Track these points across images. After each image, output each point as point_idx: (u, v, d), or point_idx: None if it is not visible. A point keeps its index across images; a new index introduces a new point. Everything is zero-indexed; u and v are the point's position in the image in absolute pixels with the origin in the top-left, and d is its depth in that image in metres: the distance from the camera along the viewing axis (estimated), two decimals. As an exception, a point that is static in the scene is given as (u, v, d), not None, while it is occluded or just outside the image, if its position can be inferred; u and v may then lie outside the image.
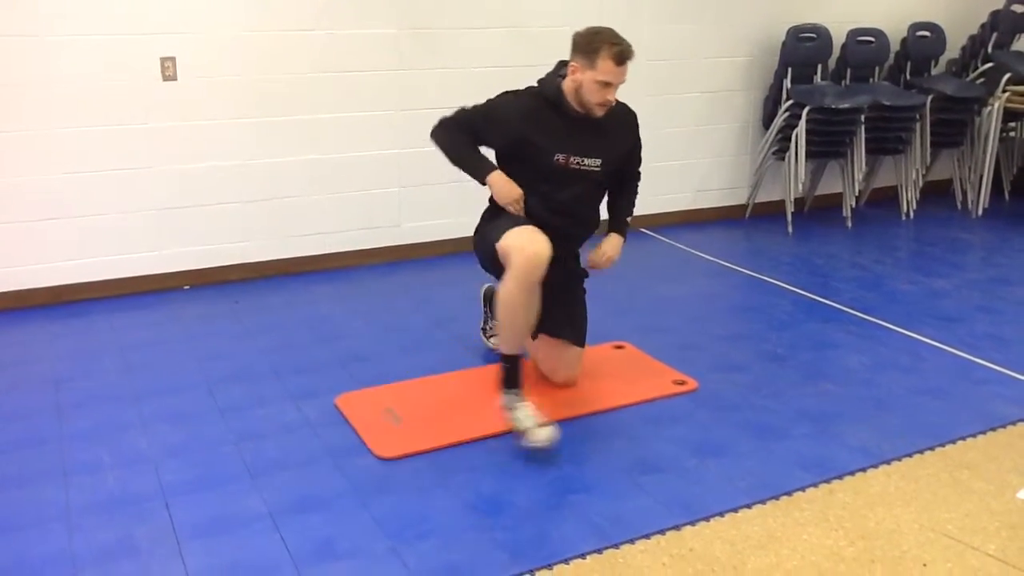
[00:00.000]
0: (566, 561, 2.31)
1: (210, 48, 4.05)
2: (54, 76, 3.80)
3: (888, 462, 2.80)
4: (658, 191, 5.39)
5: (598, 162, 3.06)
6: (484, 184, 3.01)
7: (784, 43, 5.34)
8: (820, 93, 5.29)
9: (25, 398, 3.17)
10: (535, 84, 3.08)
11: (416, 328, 3.80)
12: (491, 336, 3.46)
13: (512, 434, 2.89)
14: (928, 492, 2.65)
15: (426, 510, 2.52)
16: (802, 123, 5.18)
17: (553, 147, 2.99)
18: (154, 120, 4.02)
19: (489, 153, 3.09)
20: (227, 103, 4.14)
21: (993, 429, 3.03)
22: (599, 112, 2.97)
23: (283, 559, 2.31)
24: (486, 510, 2.53)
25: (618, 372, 3.43)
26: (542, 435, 2.78)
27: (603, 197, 3.26)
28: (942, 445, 2.91)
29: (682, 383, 3.32)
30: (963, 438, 2.96)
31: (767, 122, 5.51)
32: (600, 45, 2.86)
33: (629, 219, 3.32)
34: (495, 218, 3.07)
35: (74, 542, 2.36)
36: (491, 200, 3.12)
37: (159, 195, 4.12)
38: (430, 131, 3.08)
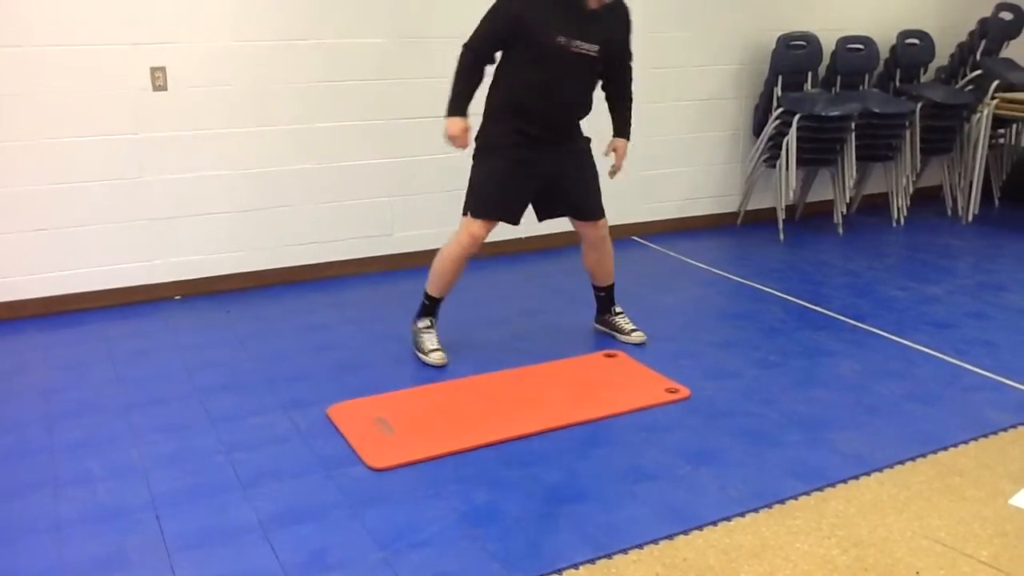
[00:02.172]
0: (559, 571, 2.30)
1: (200, 58, 4.05)
2: (44, 86, 3.79)
3: (880, 469, 2.81)
4: (649, 199, 5.40)
5: (596, 48, 3.31)
6: (445, 117, 3.33)
7: (774, 51, 5.35)
8: (810, 101, 5.30)
9: (15, 409, 3.16)
10: None
11: (408, 338, 3.79)
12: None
13: (504, 443, 2.91)
14: (920, 499, 2.65)
15: (418, 520, 2.52)
16: (792, 131, 5.19)
17: (554, 30, 3.22)
18: (145, 130, 4.02)
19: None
20: (218, 113, 4.14)
21: (985, 436, 3.03)
22: (594, 3, 3.24)
23: (274, 570, 2.30)
24: (478, 520, 2.52)
25: (610, 381, 3.42)
26: (434, 357, 3.48)
27: (597, 84, 3.51)
28: (934, 452, 2.92)
29: (674, 391, 3.32)
30: (955, 445, 2.97)
31: (758, 130, 5.52)
32: None
33: (630, 120, 3.66)
34: (483, 163, 3.42)
35: (64, 554, 2.35)
36: (482, 130, 3.43)
37: (150, 205, 4.11)
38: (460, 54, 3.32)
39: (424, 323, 3.56)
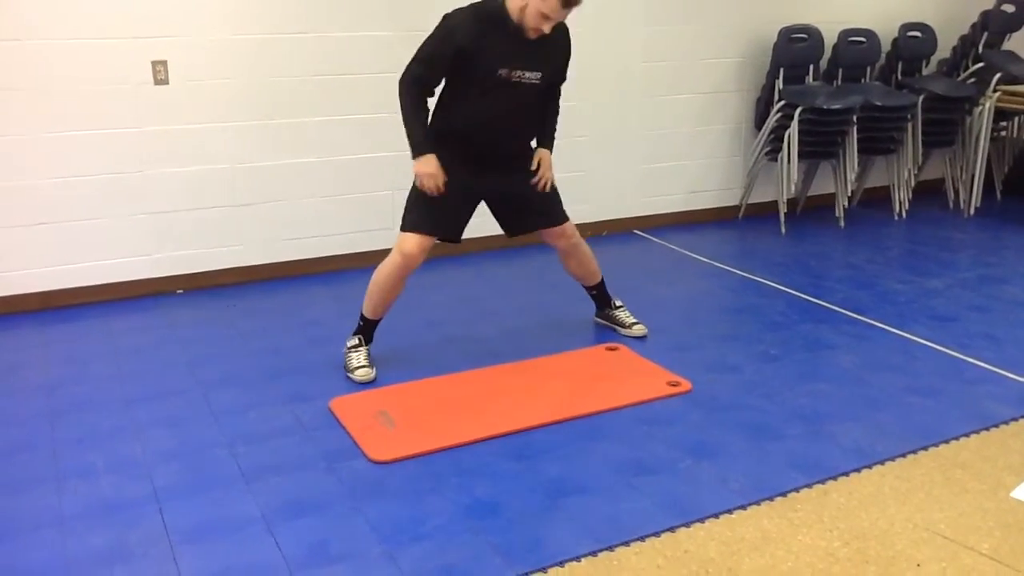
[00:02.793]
0: (561, 564, 2.31)
1: (202, 52, 4.04)
2: (45, 80, 3.79)
3: (882, 462, 2.81)
4: (651, 192, 5.40)
5: (538, 75, 3.24)
6: (413, 159, 3.21)
7: (776, 44, 5.34)
8: (812, 94, 5.29)
9: (17, 404, 3.16)
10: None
11: (409, 331, 3.80)
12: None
13: (506, 436, 2.93)
14: (922, 492, 2.65)
15: (420, 513, 2.52)
16: (794, 124, 5.18)
17: (496, 62, 3.14)
18: (146, 124, 4.02)
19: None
20: (219, 107, 4.14)
21: (986, 428, 3.03)
22: (532, 35, 3.11)
23: (277, 563, 2.30)
24: (480, 513, 2.53)
25: (612, 374, 3.43)
26: (359, 374, 3.32)
27: (541, 108, 3.42)
28: (935, 445, 2.92)
29: (676, 384, 3.32)
30: (956, 438, 2.97)
31: (759, 123, 5.51)
32: None
33: (554, 133, 3.51)
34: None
35: (67, 547, 2.36)
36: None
37: (151, 199, 4.11)
38: (398, 91, 3.20)
39: (353, 342, 3.42)
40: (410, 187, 3.33)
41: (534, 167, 3.42)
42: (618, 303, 3.85)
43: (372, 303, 3.39)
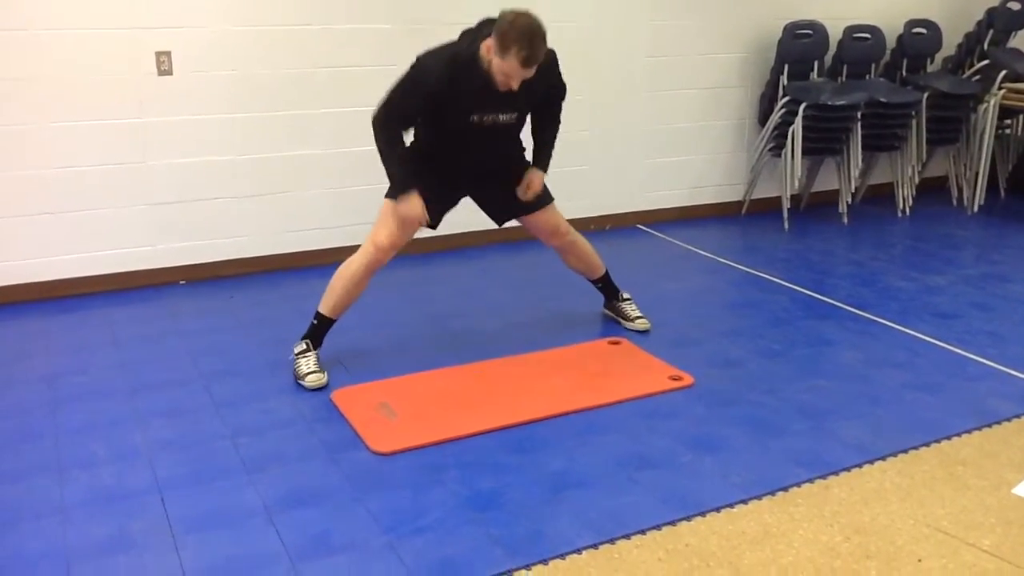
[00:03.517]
0: (562, 556, 2.31)
1: (206, 43, 4.04)
2: (48, 70, 3.79)
3: (883, 458, 2.81)
4: (654, 187, 5.39)
5: (513, 116, 3.19)
6: (394, 199, 3.18)
7: (780, 40, 5.33)
8: (816, 90, 5.28)
9: (19, 393, 3.16)
10: (457, 39, 3.09)
11: (411, 323, 3.80)
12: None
13: (508, 429, 2.93)
14: (923, 488, 2.65)
15: (421, 505, 2.52)
16: (798, 120, 5.17)
17: (469, 108, 3.08)
18: (149, 115, 4.01)
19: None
20: (222, 98, 4.13)
21: (988, 425, 3.03)
22: (501, 88, 3.02)
23: (279, 553, 2.30)
24: (482, 505, 2.53)
25: (614, 368, 3.43)
26: (310, 380, 3.20)
27: (523, 128, 3.35)
28: (937, 441, 2.92)
29: (678, 379, 3.32)
30: (958, 434, 2.96)
31: (763, 119, 5.51)
32: (511, 45, 2.87)
33: (552, 153, 3.43)
34: (401, 170, 3.17)
35: (69, 537, 2.36)
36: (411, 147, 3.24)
37: (154, 190, 4.11)
38: (373, 130, 3.11)
39: (300, 347, 3.30)
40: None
41: (521, 187, 3.37)
42: (625, 296, 3.85)
43: (332, 298, 3.32)
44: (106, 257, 4.10)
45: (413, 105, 3.09)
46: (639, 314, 3.80)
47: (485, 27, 3.00)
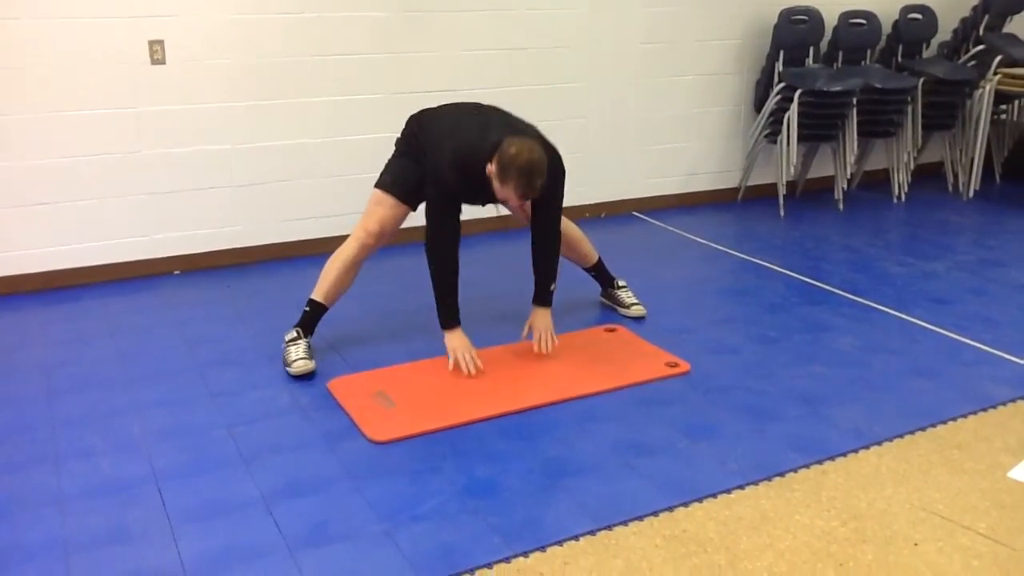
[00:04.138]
0: (559, 543, 2.31)
1: (199, 31, 4.02)
2: (41, 59, 3.77)
3: (879, 443, 2.81)
4: (650, 174, 5.39)
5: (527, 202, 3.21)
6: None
7: (776, 26, 5.32)
8: (812, 76, 5.28)
9: (16, 384, 3.16)
10: (466, 122, 3.15)
11: (408, 311, 3.80)
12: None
13: (505, 416, 2.94)
14: (919, 472, 2.66)
15: (419, 493, 2.53)
16: (794, 106, 5.17)
17: (482, 202, 3.26)
18: (143, 104, 4.00)
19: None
20: (217, 87, 4.12)
21: (984, 410, 3.04)
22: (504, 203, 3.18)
23: (276, 542, 2.31)
24: (479, 493, 2.53)
25: (610, 355, 3.43)
26: (296, 367, 3.20)
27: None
28: (933, 426, 2.93)
29: (674, 365, 3.33)
30: (954, 419, 2.97)
31: (759, 105, 5.50)
32: (509, 180, 2.93)
33: (553, 286, 3.40)
34: (399, 167, 3.36)
35: (66, 527, 2.36)
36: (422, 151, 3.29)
37: (149, 180, 4.10)
38: (427, 253, 3.22)
39: (291, 335, 3.32)
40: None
41: (525, 332, 3.40)
42: (620, 283, 3.85)
43: (327, 286, 3.35)
44: (101, 248, 4.09)
45: (450, 203, 3.15)
46: (635, 301, 3.80)
47: (498, 144, 2.98)
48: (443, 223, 3.15)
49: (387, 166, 3.43)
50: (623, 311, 3.79)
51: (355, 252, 3.34)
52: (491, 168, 2.99)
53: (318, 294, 3.37)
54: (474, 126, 3.13)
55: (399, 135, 3.45)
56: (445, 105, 3.40)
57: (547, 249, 3.37)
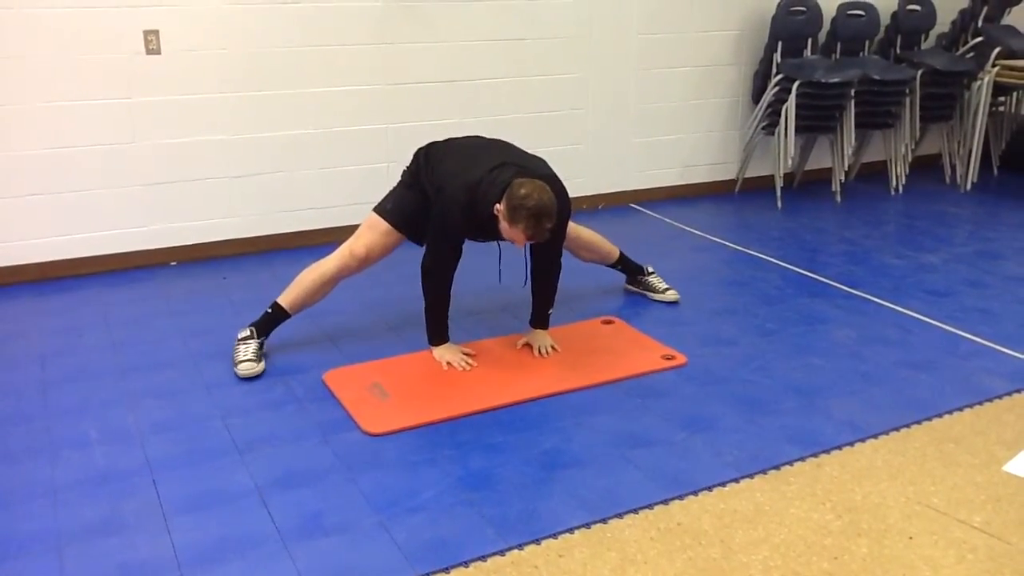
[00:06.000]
0: (554, 535, 2.31)
1: (194, 21, 4.00)
2: (36, 49, 3.75)
3: (875, 436, 2.81)
4: (647, 166, 5.37)
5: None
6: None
7: (774, 17, 5.30)
8: (810, 67, 5.26)
9: (11, 374, 3.15)
10: (480, 187, 3.02)
11: (404, 303, 3.79)
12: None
13: (500, 409, 2.94)
14: (914, 465, 2.66)
15: (414, 485, 2.52)
16: (792, 97, 5.16)
17: (484, 239, 3.21)
18: (138, 94, 3.98)
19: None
20: (212, 77, 4.10)
21: (980, 403, 3.04)
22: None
23: (271, 534, 2.31)
24: (474, 485, 2.53)
25: (607, 347, 3.42)
26: (242, 368, 3.14)
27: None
28: (929, 419, 2.92)
29: (671, 358, 3.32)
30: (950, 412, 2.97)
31: (757, 97, 5.48)
32: (519, 218, 2.88)
33: (551, 310, 3.41)
34: (401, 197, 3.32)
35: (60, 518, 2.36)
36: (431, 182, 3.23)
37: (145, 170, 4.09)
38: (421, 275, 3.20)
39: (244, 333, 3.25)
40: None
41: (521, 343, 3.38)
42: (650, 269, 3.91)
43: (297, 295, 3.29)
44: (96, 238, 4.08)
45: (452, 243, 3.14)
46: (667, 286, 3.85)
47: (504, 189, 2.94)
48: (443, 256, 3.15)
49: (390, 194, 3.37)
50: (657, 296, 3.84)
51: (335, 271, 3.29)
52: (500, 208, 2.95)
53: (285, 300, 3.30)
54: (483, 163, 3.08)
55: (406, 167, 3.38)
56: (452, 139, 3.35)
57: (548, 279, 3.35)
